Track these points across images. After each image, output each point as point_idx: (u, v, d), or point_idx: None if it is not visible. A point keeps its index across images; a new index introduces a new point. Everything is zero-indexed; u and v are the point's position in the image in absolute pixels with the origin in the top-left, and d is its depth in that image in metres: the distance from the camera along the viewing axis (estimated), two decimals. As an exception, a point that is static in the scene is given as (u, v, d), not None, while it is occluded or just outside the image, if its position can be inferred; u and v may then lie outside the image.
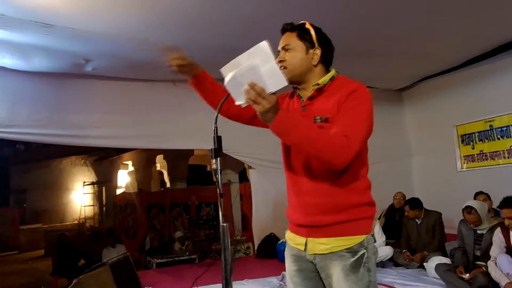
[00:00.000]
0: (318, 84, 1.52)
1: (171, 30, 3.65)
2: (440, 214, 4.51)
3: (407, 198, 4.88)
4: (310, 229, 1.51)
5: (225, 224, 1.31)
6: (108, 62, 4.35)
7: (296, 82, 1.57)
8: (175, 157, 9.50)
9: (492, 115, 5.33)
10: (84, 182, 14.17)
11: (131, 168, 12.15)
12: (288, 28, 1.57)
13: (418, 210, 4.53)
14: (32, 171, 13.88)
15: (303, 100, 1.57)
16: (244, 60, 1.29)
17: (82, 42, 3.77)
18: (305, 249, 1.52)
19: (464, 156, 5.79)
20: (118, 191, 12.28)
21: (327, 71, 1.58)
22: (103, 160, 13.43)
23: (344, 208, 1.46)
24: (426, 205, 4.68)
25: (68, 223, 13.45)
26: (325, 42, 1.56)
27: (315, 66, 1.54)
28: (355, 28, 3.84)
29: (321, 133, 1.35)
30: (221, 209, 1.34)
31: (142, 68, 4.54)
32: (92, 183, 14.19)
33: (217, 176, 1.32)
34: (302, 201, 1.53)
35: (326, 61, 1.57)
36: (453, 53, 4.89)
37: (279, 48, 1.57)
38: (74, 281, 3.30)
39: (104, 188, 13.85)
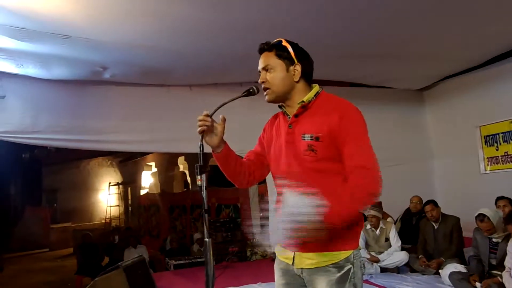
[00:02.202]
0: (303, 101, 1.53)
1: (182, 38, 3.73)
2: (458, 219, 4.38)
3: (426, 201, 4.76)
4: (296, 244, 1.51)
5: (208, 240, 1.34)
6: (124, 69, 4.48)
7: (280, 100, 1.59)
8: (196, 158, 9.61)
9: (517, 115, 5.13)
10: (110, 182, 14.54)
11: (154, 169, 12.39)
12: (265, 48, 1.58)
13: (438, 211, 4.43)
14: (62, 172, 14.34)
15: (289, 117, 1.58)
16: None
17: (98, 51, 3.91)
18: (293, 263, 1.53)
19: (487, 158, 5.60)
20: (142, 192, 12.55)
21: (309, 86, 1.59)
22: (128, 161, 13.74)
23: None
24: (447, 209, 4.56)
25: (95, 222, 13.85)
26: (303, 57, 1.57)
27: (297, 82, 1.56)
28: (367, 30, 3.79)
29: (351, 195, 1.42)
30: (206, 225, 1.37)
31: (157, 74, 4.66)
32: (118, 184, 14.55)
33: (201, 193, 1.34)
34: None
35: (307, 76, 1.58)
36: (472, 52, 4.75)
37: (259, 68, 1.58)
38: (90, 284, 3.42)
39: (129, 188, 14.18)
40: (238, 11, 3.26)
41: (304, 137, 1.48)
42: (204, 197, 1.35)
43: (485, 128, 5.62)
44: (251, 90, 1.58)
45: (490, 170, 5.55)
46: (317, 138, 1.46)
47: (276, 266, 1.65)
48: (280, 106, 1.64)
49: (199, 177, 1.36)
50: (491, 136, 5.55)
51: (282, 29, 3.48)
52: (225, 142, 1.60)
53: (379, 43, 4.16)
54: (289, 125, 1.56)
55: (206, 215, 1.34)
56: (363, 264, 1.53)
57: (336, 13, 3.39)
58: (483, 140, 5.65)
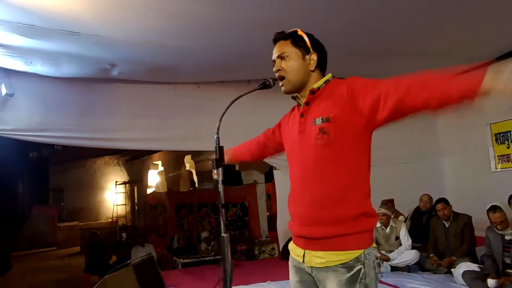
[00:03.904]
0: (313, 88, 1.51)
1: (190, 35, 3.72)
2: (470, 217, 4.32)
3: (436, 199, 4.70)
4: (306, 240, 1.50)
5: (225, 235, 1.31)
6: (132, 67, 4.47)
7: (296, 90, 1.56)
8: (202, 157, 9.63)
9: (528, 112, 5.06)
10: (117, 181, 14.59)
11: (161, 168, 12.40)
12: (281, 37, 1.56)
13: (450, 209, 4.37)
14: (69, 171, 14.44)
15: (301, 107, 1.56)
16: None
17: (106, 48, 3.90)
18: (303, 260, 1.50)
19: (498, 156, 5.52)
20: (149, 191, 12.58)
21: (323, 75, 1.56)
22: (134, 160, 13.78)
23: (340, 220, 1.41)
24: (457, 207, 4.50)
25: (102, 221, 13.90)
26: (319, 47, 1.55)
27: (312, 71, 1.53)
28: (374, 28, 3.76)
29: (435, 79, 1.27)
30: (223, 220, 1.34)
31: (164, 72, 4.64)
32: (124, 183, 14.59)
33: (218, 187, 1.32)
34: (298, 211, 1.52)
35: (322, 66, 1.56)
36: (482, 49, 4.69)
37: (274, 57, 1.56)
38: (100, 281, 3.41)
39: (135, 187, 14.21)
40: (245, 7, 3.24)
41: (315, 121, 1.44)
42: (221, 191, 1.32)
43: (496, 126, 5.55)
44: (267, 83, 1.55)
45: (501, 168, 5.48)
46: (327, 119, 1.41)
47: (290, 263, 1.63)
48: (294, 98, 1.61)
49: (215, 171, 1.33)
50: (502, 134, 5.48)
51: (289, 26, 3.46)
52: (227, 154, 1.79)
53: (386, 40, 4.13)
54: (301, 115, 1.53)
55: (223, 209, 1.31)
56: (378, 263, 1.46)
57: (342, 11, 3.37)
58: (494, 138, 5.58)
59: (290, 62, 1.51)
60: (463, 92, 1.21)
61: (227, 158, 1.75)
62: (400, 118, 1.34)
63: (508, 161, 5.38)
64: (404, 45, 4.30)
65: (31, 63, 4.12)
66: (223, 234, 1.32)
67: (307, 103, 1.52)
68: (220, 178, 1.35)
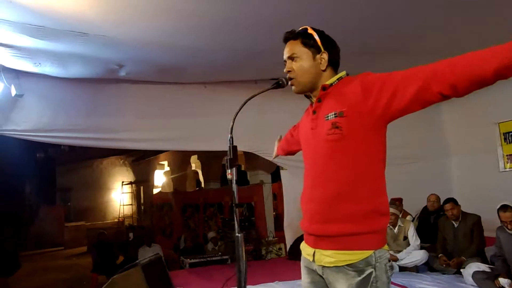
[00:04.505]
0: (325, 84, 1.49)
1: (198, 35, 3.71)
2: (479, 217, 4.29)
3: (443, 199, 4.67)
4: (316, 238, 1.47)
5: (240, 235, 1.31)
6: (140, 67, 4.48)
7: (308, 90, 1.54)
8: (209, 157, 9.64)
9: (537, 111, 5.02)
10: (123, 181, 14.66)
11: (167, 168, 12.44)
12: (290, 36, 1.53)
13: (459, 209, 4.35)
14: (76, 171, 14.54)
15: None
16: None
17: (114, 49, 3.91)
18: (313, 259, 1.48)
19: (507, 155, 5.48)
20: (155, 191, 12.62)
21: (336, 73, 1.54)
22: (140, 160, 13.84)
23: (350, 217, 1.37)
24: (465, 207, 4.47)
25: (108, 221, 13.98)
26: (330, 45, 1.52)
27: (324, 70, 1.50)
28: (381, 26, 3.74)
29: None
30: (237, 219, 1.34)
31: (172, 72, 4.65)
32: (131, 183, 14.66)
33: (232, 187, 1.32)
34: (309, 208, 1.50)
35: (334, 64, 1.53)
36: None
37: (285, 58, 1.54)
38: (109, 281, 3.42)
39: (142, 187, 14.27)
40: (254, 6, 3.23)
41: (328, 116, 1.41)
42: (235, 191, 1.32)
43: (504, 125, 5.51)
44: (280, 82, 1.54)
45: (510, 168, 5.44)
46: (340, 114, 1.37)
47: (302, 264, 1.61)
48: (307, 96, 1.59)
49: (229, 170, 1.33)
50: (510, 133, 5.43)
51: (296, 25, 3.46)
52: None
53: (395, 38, 4.10)
54: (313, 111, 1.51)
55: (237, 209, 1.31)
56: (390, 267, 1.42)
57: (350, 9, 3.34)
58: (502, 137, 5.54)
59: (301, 63, 1.49)
60: (502, 65, 1.06)
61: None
62: (423, 106, 1.27)
63: (517, 161, 5.35)
64: (413, 43, 4.27)
65: (39, 64, 4.14)
66: (237, 234, 1.32)
67: (319, 100, 1.50)
68: (234, 178, 1.34)
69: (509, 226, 3.41)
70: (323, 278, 1.47)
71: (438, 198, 5.09)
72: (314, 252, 1.47)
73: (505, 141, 5.50)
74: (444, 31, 3.98)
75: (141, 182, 14.05)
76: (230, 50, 4.11)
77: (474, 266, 3.66)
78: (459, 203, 4.43)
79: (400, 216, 4.79)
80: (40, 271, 8.70)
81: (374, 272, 1.34)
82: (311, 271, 1.53)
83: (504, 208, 3.42)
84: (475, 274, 3.44)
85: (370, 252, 1.36)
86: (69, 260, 10.37)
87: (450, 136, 6.40)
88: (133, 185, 14.64)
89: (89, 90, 4.70)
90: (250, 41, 3.83)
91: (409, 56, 4.58)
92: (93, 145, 5.12)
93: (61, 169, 14.56)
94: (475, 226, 4.24)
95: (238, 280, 1.26)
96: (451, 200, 4.37)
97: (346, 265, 1.36)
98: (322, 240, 1.44)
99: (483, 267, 3.67)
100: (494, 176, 5.56)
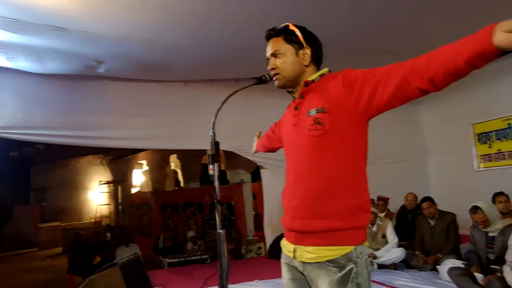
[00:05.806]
0: (307, 80, 1.50)
1: (179, 32, 3.67)
2: (454, 215, 4.40)
3: (421, 198, 4.78)
4: (297, 234, 1.46)
5: (222, 231, 1.29)
6: (120, 64, 4.40)
7: (291, 86, 1.55)
8: (189, 156, 9.57)
9: (510, 113, 5.17)
10: (100, 181, 14.38)
11: (145, 167, 12.28)
12: (272, 33, 1.53)
13: (435, 208, 4.43)
14: (51, 171, 14.17)
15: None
16: None
17: (94, 44, 3.83)
18: (294, 256, 1.48)
19: (480, 156, 5.64)
20: (133, 190, 12.44)
21: (318, 69, 1.55)
22: (118, 159, 13.60)
23: (334, 213, 1.37)
24: (442, 206, 4.58)
25: (85, 221, 13.68)
26: (312, 40, 1.53)
27: (307, 66, 1.51)
28: (368, 26, 3.78)
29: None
30: (219, 216, 1.32)
31: (153, 69, 4.59)
32: (108, 182, 14.40)
33: (214, 183, 1.30)
34: (292, 204, 1.49)
35: (317, 59, 1.54)
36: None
37: (268, 55, 1.54)
38: (86, 280, 3.34)
39: (119, 187, 14.04)
40: (238, 3, 3.22)
41: (310, 112, 1.42)
42: (217, 187, 1.30)
43: (478, 126, 5.67)
44: (263, 78, 1.54)
45: (483, 167, 5.60)
46: (322, 110, 1.38)
47: (282, 261, 1.60)
48: (289, 92, 1.60)
49: (211, 166, 1.31)
50: (484, 134, 5.59)
51: (281, 23, 3.44)
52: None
53: (386, 39, 4.12)
54: (295, 107, 1.52)
55: (219, 206, 1.30)
56: (371, 262, 1.42)
57: (337, 6, 3.36)
58: (477, 138, 5.70)
59: (284, 59, 1.50)
60: (472, 55, 1.07)
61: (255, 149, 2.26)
62: (402, 102, 1.28)
63: (489, 161, 5.51)
64: (404, 44, 4.31)
65: (13, 58, 4.01)
66: (219, 230, 1.30)
67: (301, 96, 1.50)
68: (216, 174, 1.33)
69: (480, 226, 3.50)
70: (303, 275, 1.46)
71: (415, 196, 5.19)
72: (295, 249, 1.47)
73: (479, 142, 5.66)
74: (436, 32, 4.03)
75: (119, 181, 13.82)
76: (212, 48, 4.08)
77: (450, 263, 3.75)
78: (435, 202, 4.54)
79: (383, 216, 4.86)
80: (15, 272, 8.44)
81: (355, 268, 1.34)
82: (292, 268, 1.52)
83: (474, 209, 3.51)
84: (451, 270, 3.53)
85: (351, 247, 1.36)
86: (44, 261, 10.10)
87: (428, 136, 6.55)
88: (111, 184, 14.38)
89: (66, 86, 4.59)
90: (234, 38, 3.81)
91: (400, 56, 4.64)
92: (71, 143, 4.98)
93: (36, 168, 14.17)
94: (450, 224, 4.35)
95: (220, 277, 1.25)
96: (428, 199, 4.47)
97: (327, 261, 1.36)
98: (304, 236, 1.43)
99: (458, 263, 3.76)
100: (469, 175, 5.71)
